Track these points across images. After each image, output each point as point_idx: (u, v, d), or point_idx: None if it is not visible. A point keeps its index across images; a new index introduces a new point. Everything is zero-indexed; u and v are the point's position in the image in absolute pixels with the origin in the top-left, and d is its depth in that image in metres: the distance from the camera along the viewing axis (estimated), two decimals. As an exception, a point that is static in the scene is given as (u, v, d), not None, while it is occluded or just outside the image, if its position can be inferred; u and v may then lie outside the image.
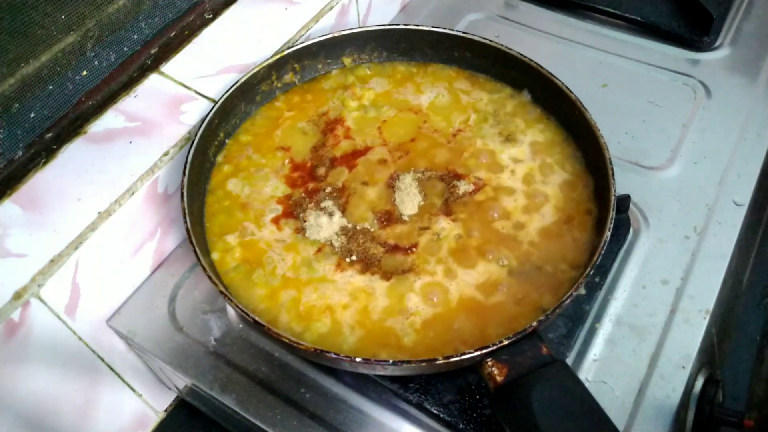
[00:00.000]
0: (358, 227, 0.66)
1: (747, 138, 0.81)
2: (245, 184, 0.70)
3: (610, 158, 0.64)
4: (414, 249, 0.65)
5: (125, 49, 0.72)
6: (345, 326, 0.60)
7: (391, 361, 0.53)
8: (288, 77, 0.78)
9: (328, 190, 0.69)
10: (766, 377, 0.95)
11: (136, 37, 0.73)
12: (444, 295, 0.62)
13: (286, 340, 0.54)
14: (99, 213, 0.63)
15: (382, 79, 0.80)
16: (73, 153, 0.67)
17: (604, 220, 0.61)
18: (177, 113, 0.72)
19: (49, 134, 0.67)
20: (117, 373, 0.71)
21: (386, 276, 0.63)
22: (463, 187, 0.69)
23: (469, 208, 0.67)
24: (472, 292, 0.62)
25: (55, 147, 0.67)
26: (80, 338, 0.66)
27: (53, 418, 0.65)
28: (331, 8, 0.86)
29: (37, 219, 0.62)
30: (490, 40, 0.76)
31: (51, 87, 0.66)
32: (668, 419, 0.60)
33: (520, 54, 0.74)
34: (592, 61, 0.91)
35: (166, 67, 0.75)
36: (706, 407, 0.63)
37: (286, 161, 0.72)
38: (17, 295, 0.58)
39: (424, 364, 0.53)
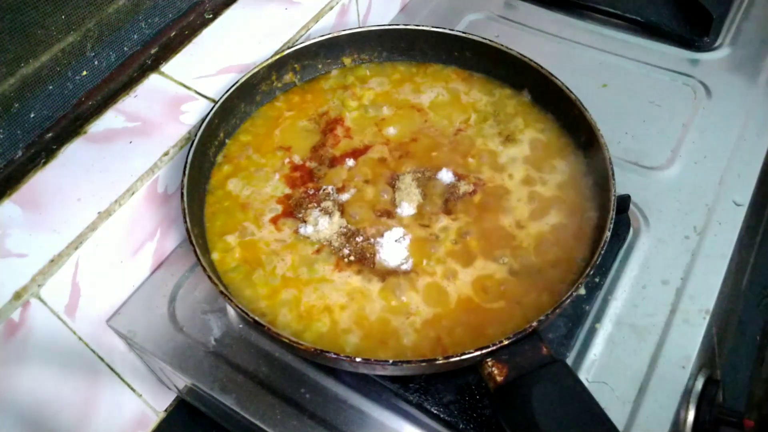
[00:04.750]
0: (357, 227, 0.66)
1: (747, 138, 0.81)
2: (245, 184, 0.70)
3: (610, 158, 0.64)
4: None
5: (125, 49, 0.72)
6: (344, 326, 0.60)
7: (391, 361, 0.53)
8: (288, 77, 0.78)
9: (328, 189, 0.69)
10: (766, 377, 0.95)
11: (136, 37, 0.73)
12: (443, 296, 0.62)
13: (286, 340, 0.54)
14: (99, 213, 0.63)
15: (382, 79, 0.80)
16: (73, 153, 0.67)
17: (604, 220, 0.61)
18: (177, 113, 0.72)
19: (49, 134, 0.67)
20: (117, 373, 0.71)
21: (384, 276, 0.63)
22: (463, 187, 0.69)
23: (468, 208, 0.67)
24: (471, 292, 0.62)
25: (55, 147, 0.67)
26: (80, 338, 0.66)
27: (53, 418, 0.65)
28: (331, 8, 0.86)
29: (37, 219, 0.62)
30: (490, 40, 0.76)
31: (51, 87, 0.66)
32: (668, 419, 0.60)
33: (520, 54, 0.74)
34: (592, 61, 0.91)
35: (166, 67, 0.75)
36: (706, 407, 0.63)
37: (286, 161, 0.72)
38: (17, 295, 0.58)
39: (424, 364, 0.53)
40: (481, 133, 0.74)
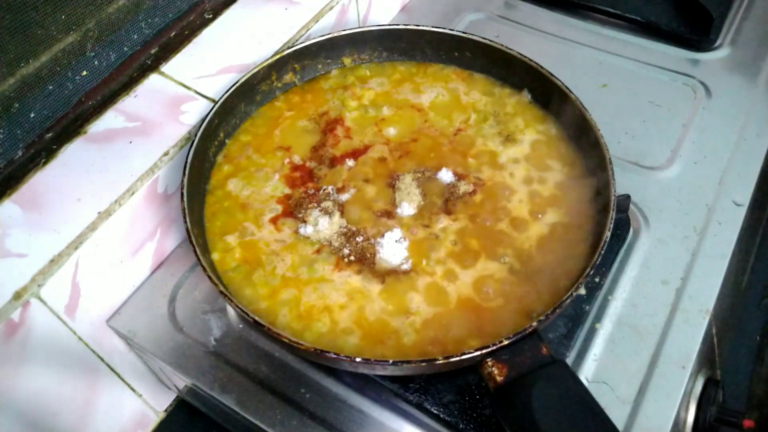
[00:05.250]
0: (357, 227, 0.66)
1: (747, 138, 0.81)
2: (245, 184, 0.70)
3: (610, 158, 0.64)
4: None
5: (125, 49, 0.72)
6: (344, 326, 0.60)
7: (391, 361, 0.53)
8: (288, 77, 0.78)
9: (328, 189, 0.69)
10: (766, 377, 0.95)
11: (136, 37, 0.73)
12: (444, 296, 0.61)
13: (286, 340, 0.54)
14: (99, 213, 0.63)
15: (382, 79, 0.80)
16: (73, 153, 0.67)
17: (604, 220, 0.61)
18: (177, 113, 0.72)
19: (49, 134, 0.67)
20: (117, 373, 0.71)
21: (384, 276, 0.63)
22: (463, 187, 0.69)
23: (468, 208, 0.67)
24: (471, 292, 0.62)
25: (55, 147, 0.67)
26: (80, 338, 0.66)
27: (53, 418, 0.65)
28: (331, 8, 0.86)
29: (37, 219, 0.62)
30: (490, 40, 0.76)
31: (51, 87, 0.66)
32: (668, 419, 0.60)
33: (520, 54, 0.74)
34: (592, 61, 0.91)
35: (166, 67, 0.75)
36: (706, 407, 0.63)
37: (286, 161, 0.72)
38: (17, 295, 0.58)
39: (424, 364, 0.53)
40: (481, 133, 0.74)
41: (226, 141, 0.74)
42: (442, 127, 0.75)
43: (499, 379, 0.52)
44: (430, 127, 0.75)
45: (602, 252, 0.58)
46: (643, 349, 0.64)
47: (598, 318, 0.66)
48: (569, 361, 0.63)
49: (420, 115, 0.76)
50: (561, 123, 0.73)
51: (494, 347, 0.52)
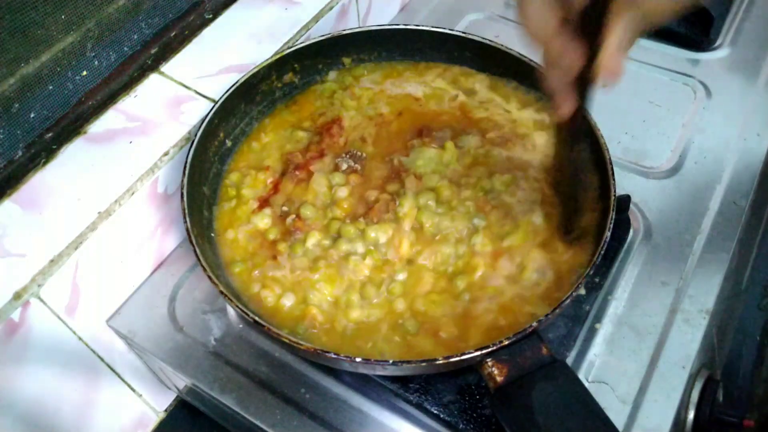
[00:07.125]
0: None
1: (747, 138, 0.81)
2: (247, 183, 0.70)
3: (610, 158, 0.64)
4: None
5: (125, 49, 0.72)
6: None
7: (391, 361, 0.53)
8: (288, 77, 0.78)
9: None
10: (766, 377, 0.95)
11: (136, 37, 0.73)
12: (445, 295, 0.61)
13: (286, 340, 0.54)
14: (99, 213, 0.63)
15: (382, 78, 0.80)
16: (73, 153, 0.67)
17: (604, 220, 0.61)
18: (177, 113, 0.72)
19: (49, 134, 0.67)
20: (117, 373, 0.71)
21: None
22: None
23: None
24: (472, 292, 0.61)
25: (55, 147, 0.67)
26: (80, 338, 0.66)
27: (53, 418, 0.65)
28: (331, 8, 0.86)
29: (37, 219, 0.62)
30: (490, 40, 0.76)
31: (51, 87, 0.66)
32: (668, 419, 0.60)
33: (520, 54, 0.74)
34: (592, 61, 0.91)
35: (166, 67, 0.75)
36: (706, 407, 0.63)
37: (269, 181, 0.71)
38: (17, 295, 0.58)
39: (424, 364, 0.53)
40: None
41: (227, 141, 0.73)
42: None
43: (499, 379, 0.52)
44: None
45: (602, 252, 0.58)
46: (643, 349, 0.64)
47: (598, 318, 0.66)
48: (569, 361, 0.63)
49: (422, 109, 0.76)
50: (560, 124, 0.73)
51: (494, 347, 0.52)
